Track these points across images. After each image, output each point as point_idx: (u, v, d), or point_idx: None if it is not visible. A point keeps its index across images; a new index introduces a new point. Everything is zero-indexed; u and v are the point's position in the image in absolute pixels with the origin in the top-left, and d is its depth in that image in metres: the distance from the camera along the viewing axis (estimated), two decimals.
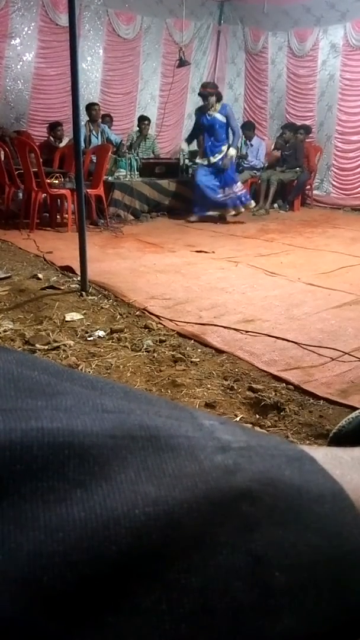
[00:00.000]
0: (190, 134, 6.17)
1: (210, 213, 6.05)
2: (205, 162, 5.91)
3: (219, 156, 5.86)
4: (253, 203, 6.29)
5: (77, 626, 0.17)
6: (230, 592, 0.19)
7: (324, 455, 0.25)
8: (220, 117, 5.75)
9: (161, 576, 0.18)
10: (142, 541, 0.18)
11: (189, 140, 6.22)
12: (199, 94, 5.85)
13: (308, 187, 7.81)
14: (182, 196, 6.49)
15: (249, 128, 7.61)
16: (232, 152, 5.98)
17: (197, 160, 6.03)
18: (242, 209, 6.12)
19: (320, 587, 0.20)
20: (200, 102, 5.97)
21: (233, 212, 6.08)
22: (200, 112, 5.83)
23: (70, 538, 0.17)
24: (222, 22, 8.85)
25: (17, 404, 0.21)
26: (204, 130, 5.81)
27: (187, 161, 6.64)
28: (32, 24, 7.19)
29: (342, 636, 0.21)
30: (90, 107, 6.64)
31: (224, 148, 5.86)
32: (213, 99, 5.67)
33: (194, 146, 6.37)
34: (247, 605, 0.19)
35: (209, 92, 5.70)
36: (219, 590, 0.19)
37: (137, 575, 0.18)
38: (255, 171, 7.43)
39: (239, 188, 6.09)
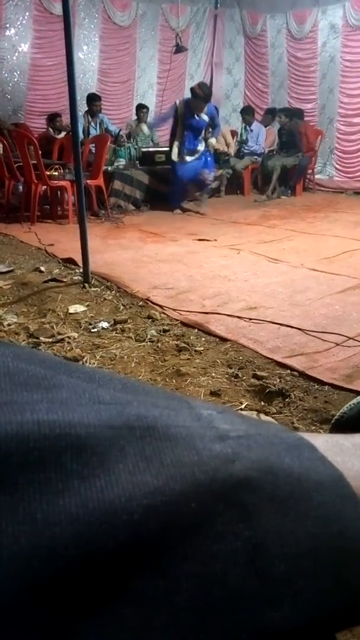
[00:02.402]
0: (173, 131, 5.99)
1: (187, 201, 6.06)
2: (185, 159, 5.83)
3: (197, 155, 5.84)
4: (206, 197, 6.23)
5: (76, 618, 0.17)
6: (229, 581, 0.19)
7: (325, 442, 0.25)
8: (207, 118, 5.75)
9: (160, 566, 0.18)
10: (140, 533, 0.18)
11: (160, 122, 6.14)
12: (192, 90, 5.66)
13: (310, 171, 7.74)
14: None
15: (248, 113, 7.53)
16: (213, 141, 6.01)
17: (175, 159, 5.85)
18: (206, 196, 6.09)
19: (320, 574, 0.20)
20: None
21: (198, 193, 6.03)
22: (189, 111, 5.66)
23: (67, 531, 0.17)
24: (218, 5, 8.72)
25: (13, 397, 0.21)
26: (189, 130, 5.74)
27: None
28: (27, 14, 7.11)
29: (342, 623, 0.21)
30: (91, 100, 6.57)
31: (201, 144, 5.87)
32: (204, 104, 5.61)
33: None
34: (247, 593, 0.19)
35: (203, 94, 5.56)
36: (218, 579, 0.19)
37: (136, 565, 0.18)
38: (255, 157, 7.37)
39: (211, 177, 6.08)
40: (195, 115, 5.63)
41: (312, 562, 0.20)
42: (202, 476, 0.20)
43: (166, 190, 6.16)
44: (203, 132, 5.84)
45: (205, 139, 5.88)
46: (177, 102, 5.91)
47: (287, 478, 0.21)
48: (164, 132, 8.16)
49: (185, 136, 5.72)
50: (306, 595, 0.19)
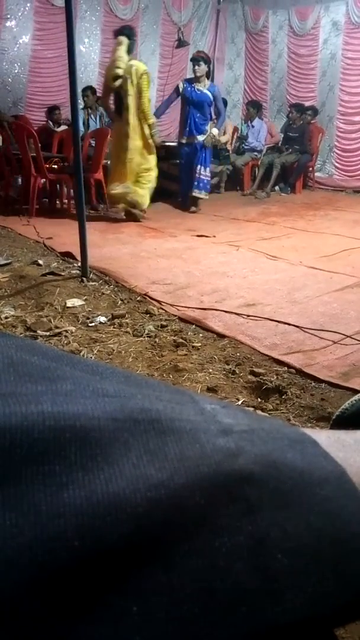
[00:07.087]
0: (165, 103, 5.80)
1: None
2: (188, 141, 5.66)
3: (204, 136, 5.65)
4: (207, 196, 5.99)
5: (80, 609, 0.17)
6: (232, 574, 0.19)
7: (327, 438, 0.25)
8: (209, 94, 5.52)
9: (163, 559, 0.18)
10: (144, 526, 0.18)
11: (163, 108, 5.82)
12: (192, 59, 5.59)
13: (310, 169, 7.73)
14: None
15: (255, 106, 7.48)
16: (215, 131, 5.79)
17: (182, 140, 5.75)
18: (202, 195, 5.88)
19: (322, 568, 0.20)
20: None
21: (194, 193, 5.84)
22: (189, 85, 5.55)
23: (71, 523, 0.17)
24: (221, 0, 8.68)
25: (17, 388, 0.20)
26: (190, 105, 5.55)
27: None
28: (28, 5, 7.05)
29: (343, 617, 0.21)
30: (83, 92, 6.51)
31: (208, 127, 5.67)
32: (203, 66, 5.40)
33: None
34: (249, 586, 0.19)
35: (202, 57, 5.46)
36: (221, 572, 0.19)
37: (139, 559, 0.18)
38: (255, 153, 7.35)
39: (207, 173, 5.89)
40: (196, 88, 5.50)
41: (314, 557, 0.20)
42: (206, 470, 0.20)
43: (172, 187, 6.08)
44: (209, 115, 5.62)
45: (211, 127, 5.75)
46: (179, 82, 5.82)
47: (290, 473, 0.21)
48: (165, 127, 8.13)
49: (189, 112, 5.56)
50: (307, 589, 0.19)
